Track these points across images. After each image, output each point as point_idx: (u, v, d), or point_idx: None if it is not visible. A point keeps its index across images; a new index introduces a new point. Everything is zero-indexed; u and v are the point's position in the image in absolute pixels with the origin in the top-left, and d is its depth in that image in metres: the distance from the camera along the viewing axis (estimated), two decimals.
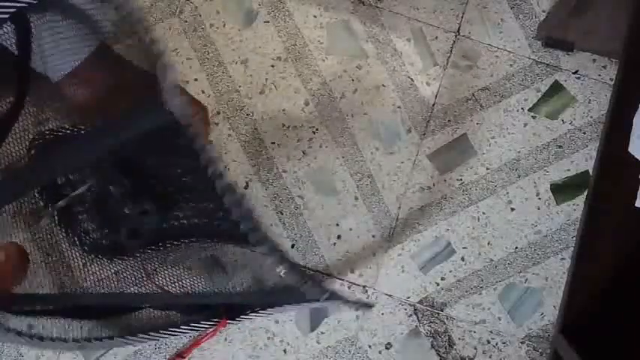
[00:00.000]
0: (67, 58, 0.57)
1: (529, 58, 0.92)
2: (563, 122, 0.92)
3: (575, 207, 0.91)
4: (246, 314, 0.79)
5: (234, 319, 0.79)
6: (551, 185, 0.91)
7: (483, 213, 0.91)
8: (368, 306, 0.68)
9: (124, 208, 0.71)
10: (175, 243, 0.80)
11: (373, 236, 0.90)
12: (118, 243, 0.76)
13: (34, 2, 0.50)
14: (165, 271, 0.80)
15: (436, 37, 0.92)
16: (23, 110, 0.60)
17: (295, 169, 0.90)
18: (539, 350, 0.90)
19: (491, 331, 0.90)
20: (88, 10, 0.58)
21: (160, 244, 0.78)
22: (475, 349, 0.90)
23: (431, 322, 0.90)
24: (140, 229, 0.73)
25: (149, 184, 0.72)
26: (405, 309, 0.90)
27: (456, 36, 0.92)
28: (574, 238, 0.90)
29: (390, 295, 0.90)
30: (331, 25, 0.92)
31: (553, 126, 0.92)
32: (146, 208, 0.71)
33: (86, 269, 0.77)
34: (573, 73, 0.92)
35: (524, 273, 0.90)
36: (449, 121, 0.91)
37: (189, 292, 0.80)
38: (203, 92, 0.90)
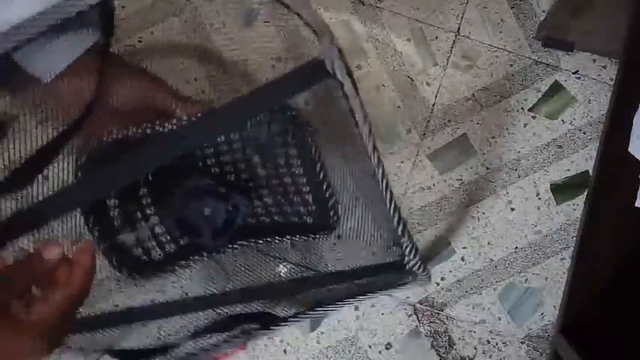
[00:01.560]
0: (58, 58, 0.55)
1: (529, 58, 0.92)
2: (563, 122, 0.92)
3: (575, 207, 0.91)
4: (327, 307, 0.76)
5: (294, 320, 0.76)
6: (551, 185, 0.91)
7: (483, 213, 0.91)
8: (429, 277, 0.67)
9: (205, 206, 0.68)
10: (257, 240, 0.77)
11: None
12: (189, 246, 0.73)
13: None
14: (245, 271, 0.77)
15: (436, 37, 0.92)
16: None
17: None
18: (539, 350, 0.90)
19: (491, 331, 0.90)
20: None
21: (239, 242, 0.76)
22: (475, 349, 0.90)
23: (431, 322, 0.90)
24: (224, 227, 0.70)
25: (234, 180, 0.70)
26: (405, 309, 0.90)
27: (456, 36, 0.92)
28: (574, 238, 0.90)
29: (390, 295, 0.90)
30: (331, 25, 0.92)
31: (553, 126, 0.92)
32: (237, 202, 0.68)
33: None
34: (573, 73, 0.92)
35: (524, 273, 0.90)
36: (449, 121, 0.91)
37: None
38: (203, 92, 0.90)
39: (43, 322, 0.33)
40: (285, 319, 0.67)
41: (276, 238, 0.77)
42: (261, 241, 0.76)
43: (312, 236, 0.77)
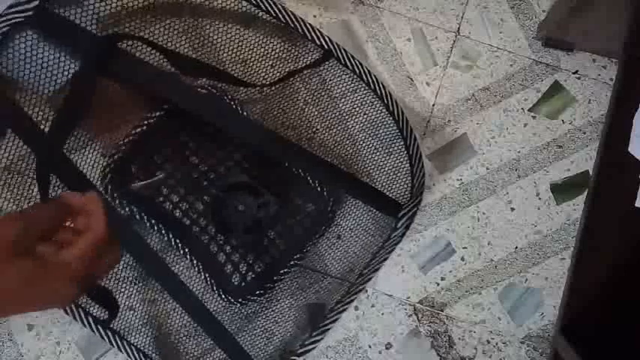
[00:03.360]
0: None
1: (529, 58, 0.92)
2: (563, 122, 0.92)
3: (575, 207, 0.91)
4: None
5: None
6: (551, 185, 0.91)
7: (483, 213, 0.91)
8: None
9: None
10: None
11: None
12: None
13: None
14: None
15: (436, 37, 0.92)
16: None
17: None
18: (539, 350, 0.90)
19: (491, 331, 0.90)
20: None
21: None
22: (475, 349, 0.90)
23: (431, 322, 0.90)
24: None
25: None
26: (405, 309, 0.90)
27: (456, 36, 0.92)
28: (574, 238, 0.90)
29: (390, 295, 0.90)
30: (331, 25, 0.92)
31: (553, 126, 0.92)
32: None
33: None
34: (573, 73, 0.92)
35: (524, 273, 0.90)
36: (449, 121, 0.91)
37: None
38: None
39: (72, 265, 0.35)
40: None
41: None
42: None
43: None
